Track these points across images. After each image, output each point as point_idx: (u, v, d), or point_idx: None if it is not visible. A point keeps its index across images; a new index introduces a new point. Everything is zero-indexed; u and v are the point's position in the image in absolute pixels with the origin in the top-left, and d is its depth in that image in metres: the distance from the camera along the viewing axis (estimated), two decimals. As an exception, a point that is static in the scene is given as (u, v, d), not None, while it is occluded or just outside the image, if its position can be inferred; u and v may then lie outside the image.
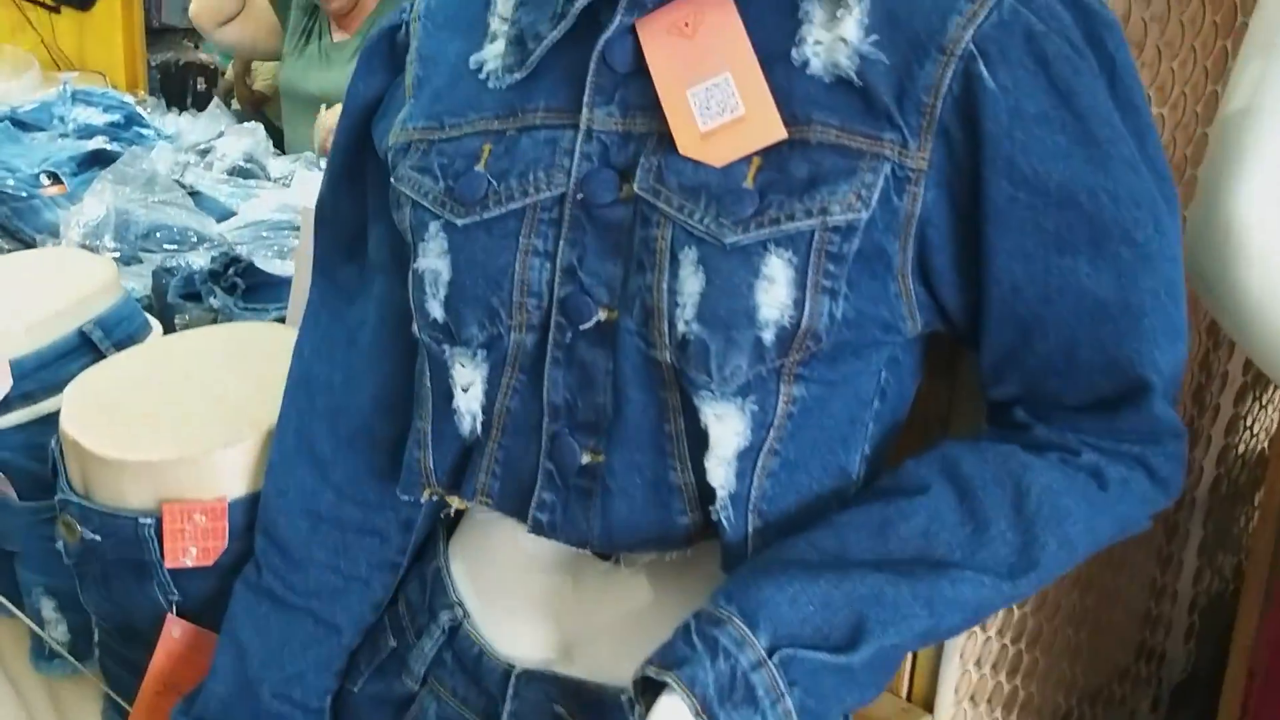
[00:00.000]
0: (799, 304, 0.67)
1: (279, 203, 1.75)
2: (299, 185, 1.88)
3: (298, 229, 1.59)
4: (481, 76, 0.77)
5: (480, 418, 0.77)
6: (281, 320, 1.36)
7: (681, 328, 0.68)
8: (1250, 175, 0.72)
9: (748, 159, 0.67)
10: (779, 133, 0.67)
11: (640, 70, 0.71)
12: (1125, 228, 0.67)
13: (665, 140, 0.69)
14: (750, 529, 0.71)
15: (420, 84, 0.80)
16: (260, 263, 1.49)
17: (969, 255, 0.69)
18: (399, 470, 0.83)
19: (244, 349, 1.16)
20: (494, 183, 0.73)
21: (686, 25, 0.70)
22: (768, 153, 0.67)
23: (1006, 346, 0.71)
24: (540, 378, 0.74)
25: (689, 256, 0.67)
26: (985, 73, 0.65)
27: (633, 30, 0.70)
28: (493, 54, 0.76)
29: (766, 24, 0.69)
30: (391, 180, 0.79)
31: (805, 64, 0.67)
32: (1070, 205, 0.67)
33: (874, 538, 0.69)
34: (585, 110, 0.71)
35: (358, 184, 0.88)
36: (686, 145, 0.68)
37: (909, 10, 0.67)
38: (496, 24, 0.77)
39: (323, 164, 1.20)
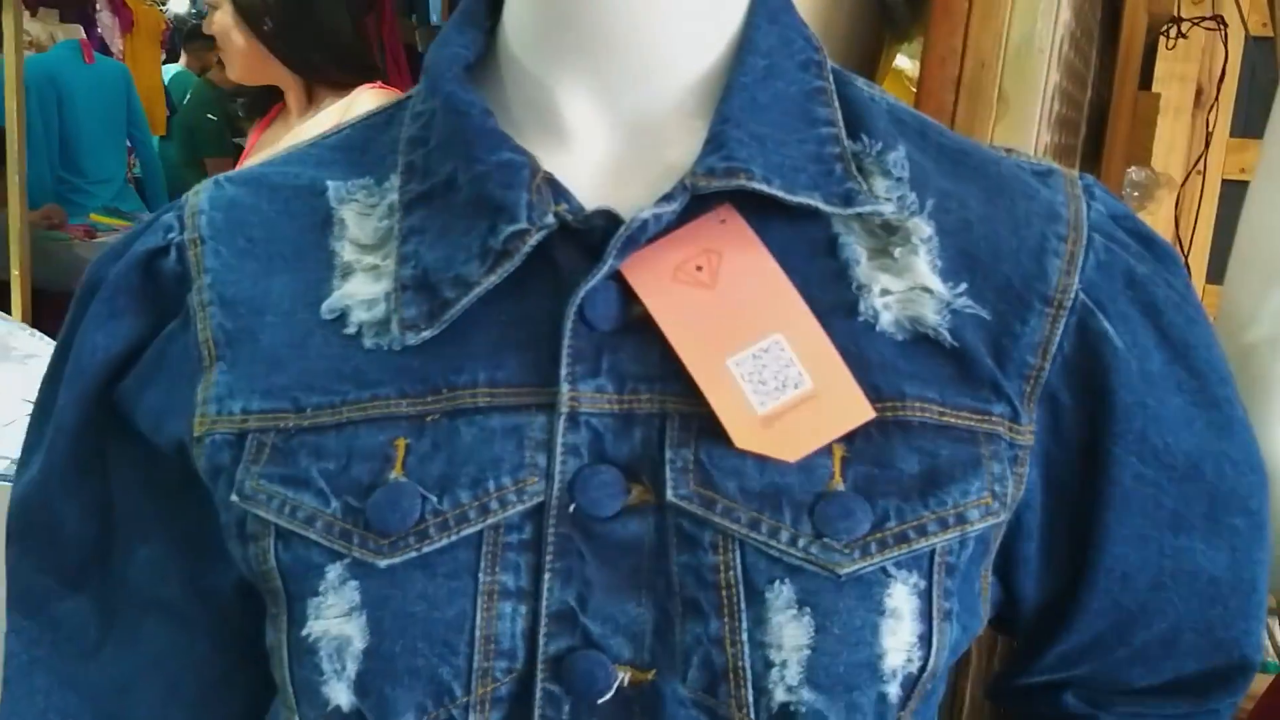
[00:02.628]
0: (925, 640, 0.50)
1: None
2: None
3: None
4: (349, 331, 0.54)
5: None
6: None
7: (782, 695, 0.48)
8: None
9: (826, 449, 0.50)
10: (865, 411, 0.50)
11: (629, 327, 0.52)
12: (1242, 496, 0.57)
13: (695, 424, 0.50)
14: None
15: (234, 340, 0.55)
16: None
17: (1063, 540, 0.56)
18: None
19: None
20: (432, 499, 0.51)
21: (699, 269, 0.53)
22: (851, 439, 0.50)
23: (1094, 638, 0.59)
24: None
25: (781, 594, 0.48)
26: (1110, 329, 0.53)
27: (617, 275, 0.52)
28: (358, 297, 0.54)
29: (802, 267, 0.52)
30: (232, 498, 0.54)
31: (874, 319, 0.52)
32: (1194, 478, 0.55)
33: None
34: (565, 385, 0.51)
35: (91, 480, 0.62)
36: (744, 435, 0.49)
37: (990, 249, 0.53)
38: (350, 252, 0.55)
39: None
